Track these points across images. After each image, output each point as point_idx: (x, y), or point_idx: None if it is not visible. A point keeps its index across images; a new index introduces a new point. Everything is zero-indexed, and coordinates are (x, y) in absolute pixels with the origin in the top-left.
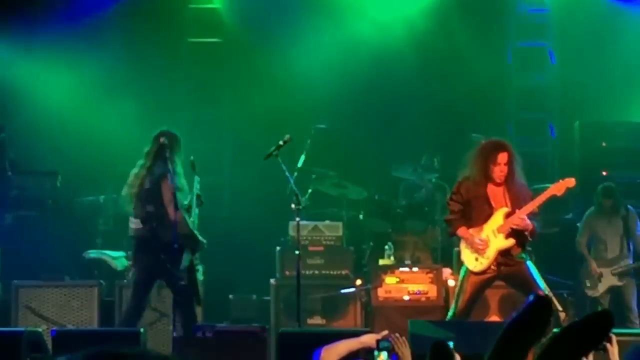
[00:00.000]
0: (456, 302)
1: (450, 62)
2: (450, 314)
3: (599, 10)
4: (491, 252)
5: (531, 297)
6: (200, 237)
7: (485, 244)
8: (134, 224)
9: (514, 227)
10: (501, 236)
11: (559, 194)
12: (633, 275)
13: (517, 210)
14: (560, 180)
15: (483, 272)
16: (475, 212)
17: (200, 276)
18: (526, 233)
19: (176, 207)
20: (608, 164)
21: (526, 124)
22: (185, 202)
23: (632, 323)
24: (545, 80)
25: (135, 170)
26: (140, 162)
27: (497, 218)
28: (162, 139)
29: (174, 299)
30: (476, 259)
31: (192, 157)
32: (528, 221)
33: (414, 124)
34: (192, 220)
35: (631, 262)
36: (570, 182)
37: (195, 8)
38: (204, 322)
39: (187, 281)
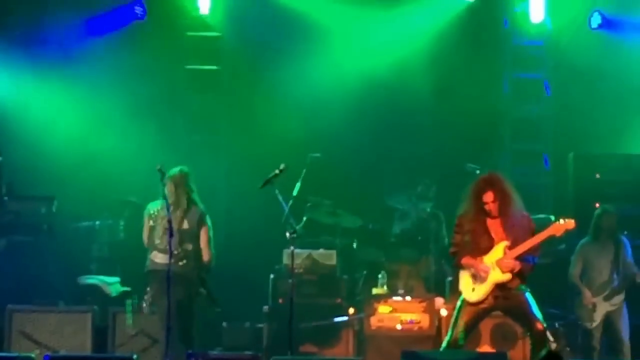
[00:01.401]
0: (452, 330)
1: (447, 92)
2: (445, 342)
3: (594, 43)
4: (488, 284)
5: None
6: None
7: (488, 271)
8: (160, 258)
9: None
10: (499, 270)
11: (557, 234)
12: (625, 306)
13: (518, 242)
14: (561, 221)
15: (479, 303)
16: (476, 245)
17: None
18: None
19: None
20: (602, 196)
21: (521, 155)
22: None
23: (624, 355)
24: (541, 111)
25: (163, 212)
26: (163, 202)
27: (498, 251)
28: (185, 181)
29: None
30: (473, 290)
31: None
32: (513, 265)
33: (409, 153)
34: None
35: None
36: (571, 224)
37: (193, 36)
38: (197, 348)
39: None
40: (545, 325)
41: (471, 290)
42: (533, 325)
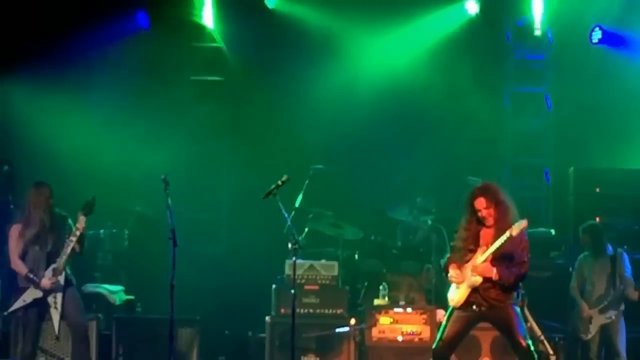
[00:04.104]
0: (441, 333)
1: (448, 106)
2: (435, 342)
3: (595, 58)
4: (464, 287)
5: None
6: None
7: (459, 277)
8: None
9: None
10: (473, 273)
11: (513, 234)
12: (622, 316)
13: (505, 251)
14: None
15: (462, 309)
16: (465, 252)
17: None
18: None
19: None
20: (602, 210)
21: (522, 169)
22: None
23: None
24: (541, 125)
25: None
26: None
27: (478, 257)
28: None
29: None
30: (452, 293)
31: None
32: (482, 267)
33: (411, 166)
34: None
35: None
36: (523, 223)
37: (199, 46)
38: (200, 357)
39: None
40: (528, 342)
41: (452, 294)
42: (517, 341)
